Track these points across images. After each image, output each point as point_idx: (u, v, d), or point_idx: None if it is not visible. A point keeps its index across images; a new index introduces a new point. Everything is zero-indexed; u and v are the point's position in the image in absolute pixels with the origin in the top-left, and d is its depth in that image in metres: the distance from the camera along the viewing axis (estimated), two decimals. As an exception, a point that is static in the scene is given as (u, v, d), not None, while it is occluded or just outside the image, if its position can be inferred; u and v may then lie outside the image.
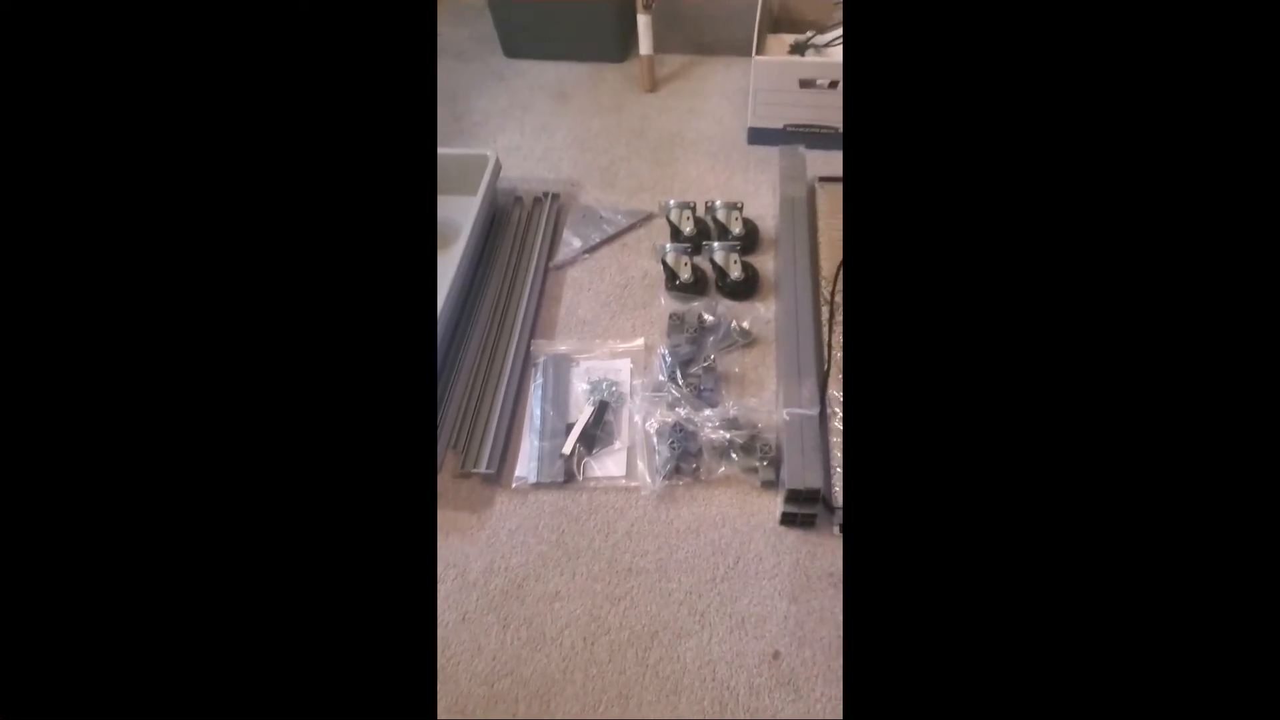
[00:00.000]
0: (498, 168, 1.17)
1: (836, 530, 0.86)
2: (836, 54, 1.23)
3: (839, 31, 1.24)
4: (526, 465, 0.94)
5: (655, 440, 0.93)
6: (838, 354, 1.00)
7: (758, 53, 1.21)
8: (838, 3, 1.30)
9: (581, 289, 1.12)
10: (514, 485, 0.92)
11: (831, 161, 1.23)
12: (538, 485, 0.92)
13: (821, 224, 1.15)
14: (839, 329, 1.03)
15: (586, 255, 1.16)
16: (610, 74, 1.46)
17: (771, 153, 1.25)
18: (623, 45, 1.46)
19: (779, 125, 1.25)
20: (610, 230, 1.18)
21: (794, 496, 0.83)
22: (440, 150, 1.22)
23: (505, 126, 1.37)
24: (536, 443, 0.95)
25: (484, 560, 0.87)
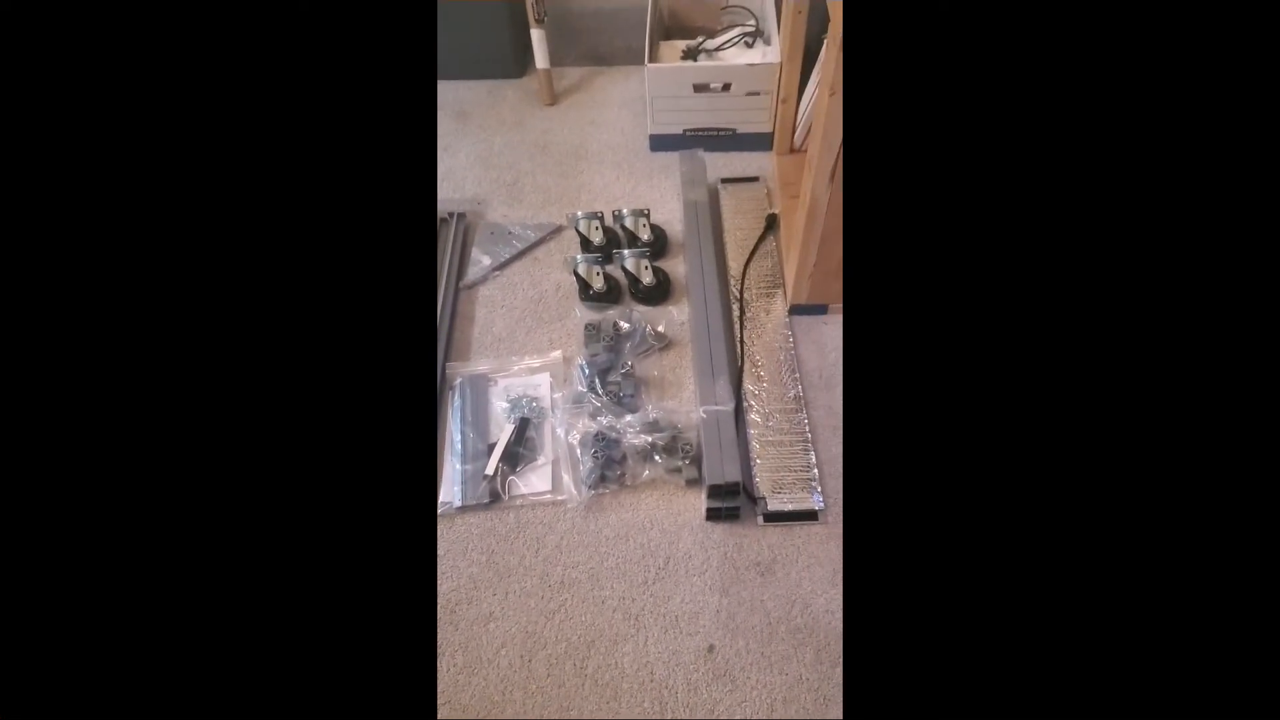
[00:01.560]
0: (399, 191, 1.15)
1: (760, 520, 0.88)
2: (728, 57, 1.26)
3: (728, 35, 1.27)
4: (450, 490, 0.93)
5: (579, 451, 0.93)
6: (751, 349, 1.03)
7: (651, 60, 1.23)
8: (725, 7, 1.34)
9: (495, 306, 1.12)
10: (439, 512, 0.91)
11: (731, 162, 1.27)
12: (463, 509, 0.91)
13: (726, 224, 1.18)
14: (751, 326, 1.06)
15: (498, 272, 1.16)
16: (509, 90, 1.46)
17: (672, 158, 1.28)
18: (519, 61, 1.46)
19: (678, 130, 1.27)
20: (520, 246, 1.18)
21: (716, 491, 0.85)
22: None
23: (406, 149, 1.35)
24: (459, 466, 0.94)
25: (413, 590, 0.86)
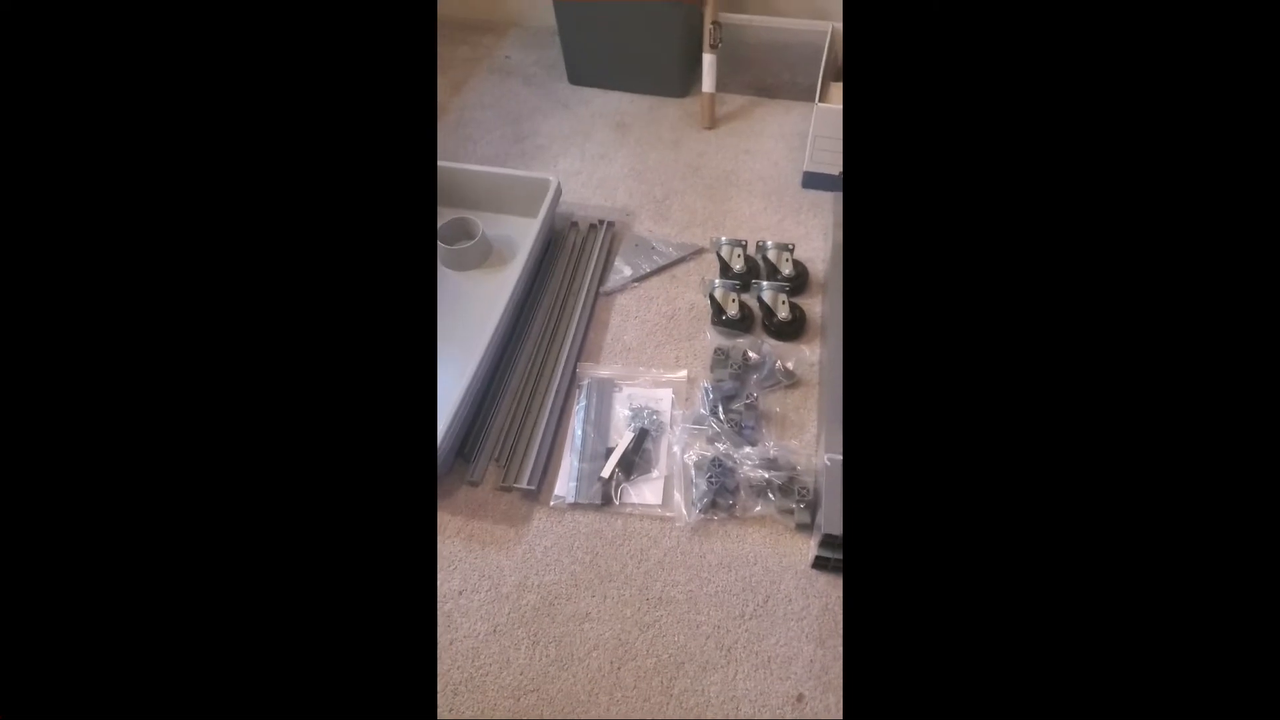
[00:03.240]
0: (558, 193, 1.21)
1: (868, 578, 0.86)
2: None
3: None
4: (565, 484, 0.96)
5: (693, 473, 0.94)
6: (879, 402, 1.01)
7: (820, 99, 1.24)
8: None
9: (629, 316, 1.15)
10: (552, 503, 0.95)
11: (884, 211, 1.25)
12: (575, 505, 0.94)
13: (870, 272, 1.16)
14: (881, 377, 1.04)
15: (636, 284, 1.19)
16: (670, 108, 1.49)
17: (824, 197, 1.28)
18: (685, 81, 1.50)
19: (834, 172, 1.27)
20: (661, 261, 1.21)
21: (829, 541, 0.84)
22: (503, 171, 1.26)
23: (566, 152, 1.42)
24: (576, 463, 0.97)
25: (518, 575, 0.89)
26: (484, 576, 0.89)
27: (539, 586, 0.88)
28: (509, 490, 0.96)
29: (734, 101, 1.49)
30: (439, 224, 1.21)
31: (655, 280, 1.20)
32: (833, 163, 1.26)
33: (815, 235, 1.24)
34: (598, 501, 0.94)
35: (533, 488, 0.95)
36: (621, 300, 1.17)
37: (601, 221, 1.26)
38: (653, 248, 1.23)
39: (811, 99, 1.45)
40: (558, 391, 1.03)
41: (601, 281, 1.18)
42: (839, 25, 1.36)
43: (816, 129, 1.23)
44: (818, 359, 1.07)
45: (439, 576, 0.89)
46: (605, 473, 0.95)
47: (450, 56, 1.64)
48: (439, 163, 1.27)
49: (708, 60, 1.38)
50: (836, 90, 1.31)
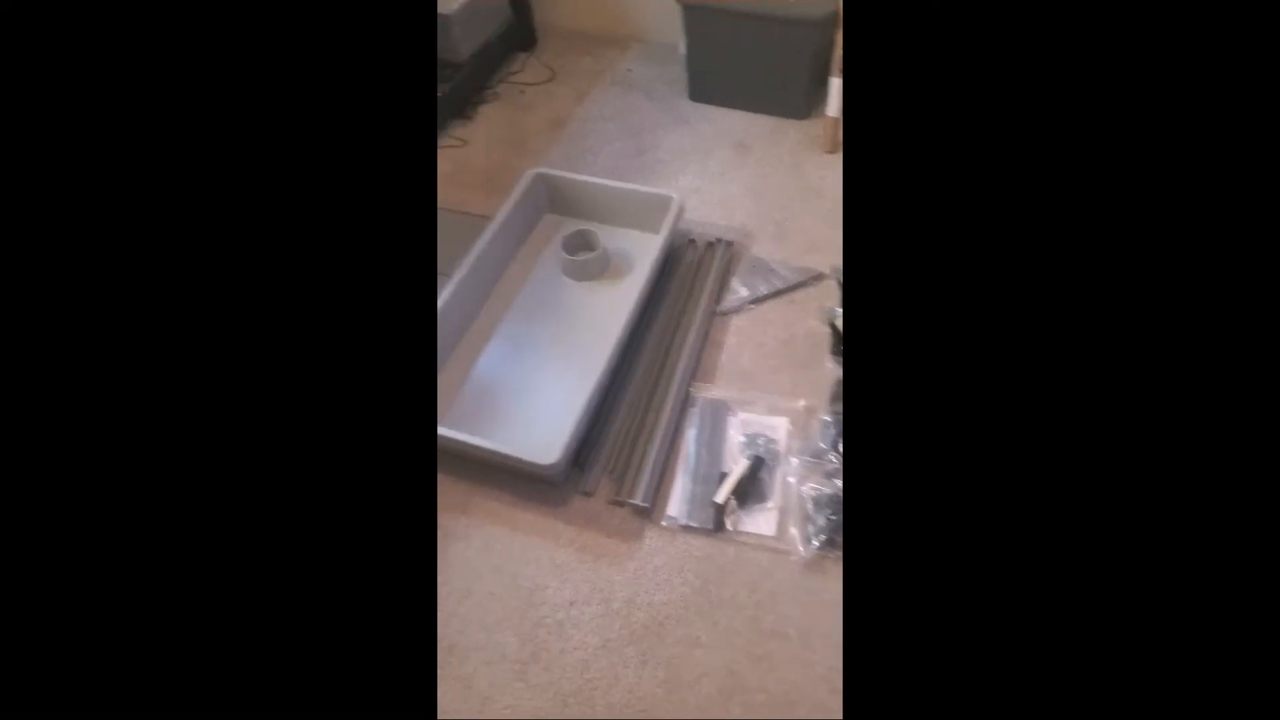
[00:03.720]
0: (681, 210, 1.21)
1: (993, 636, 0.83)
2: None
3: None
4: (678, 505, 0.95)
5: (811, 507, 0.93)
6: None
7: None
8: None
9: (745, 338, 1.14)
10: (664, 523, 0.94)
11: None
12: (687, 528, 0.94)
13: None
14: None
15: (753, 305, 1.18)
16: (791, 130, 1.48)
17: (952, 231, 1.24)
18: (808, 104, 1.48)
19: (966, 206, 1.23)
20: (779, 284, 1.19)
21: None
22: (625, 185, 1.28)
23: (686, 168, 1.42)
24: (690, 485, 0.97)
25: (629, 591, 0.89)
26: (595, 589, 0.89)
27: (649, 605, 0.88)
28: (622, 505, 0.96)
29: (857, 126, 1.47)
30: (563, 235, 1.23)
31: (772, 303, 1.18)
32: (965, 196, 1.22)
33: (941, 270, 1.20)
34: (710, 526, 0.93)
35: (646, 505, 0.95)
36: (737, 321, 1.16)
37: (720, 240, 1.26)
38: (771, 270, 1.22)
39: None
40: (672, 409, 1.03)
41: (718, 300, 1.18)
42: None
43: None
44: (942, 399, 1.03)
45: (551, 584, 0.90)
46: (720, 498, 0.94)
47: (574, 67, 1.67)
48: (563, 174, 1.29)
49: (835, 85, 1.36)
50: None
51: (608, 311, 1.15)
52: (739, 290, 1.19)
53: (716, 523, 0.93)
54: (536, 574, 0.91)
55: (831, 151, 1.42)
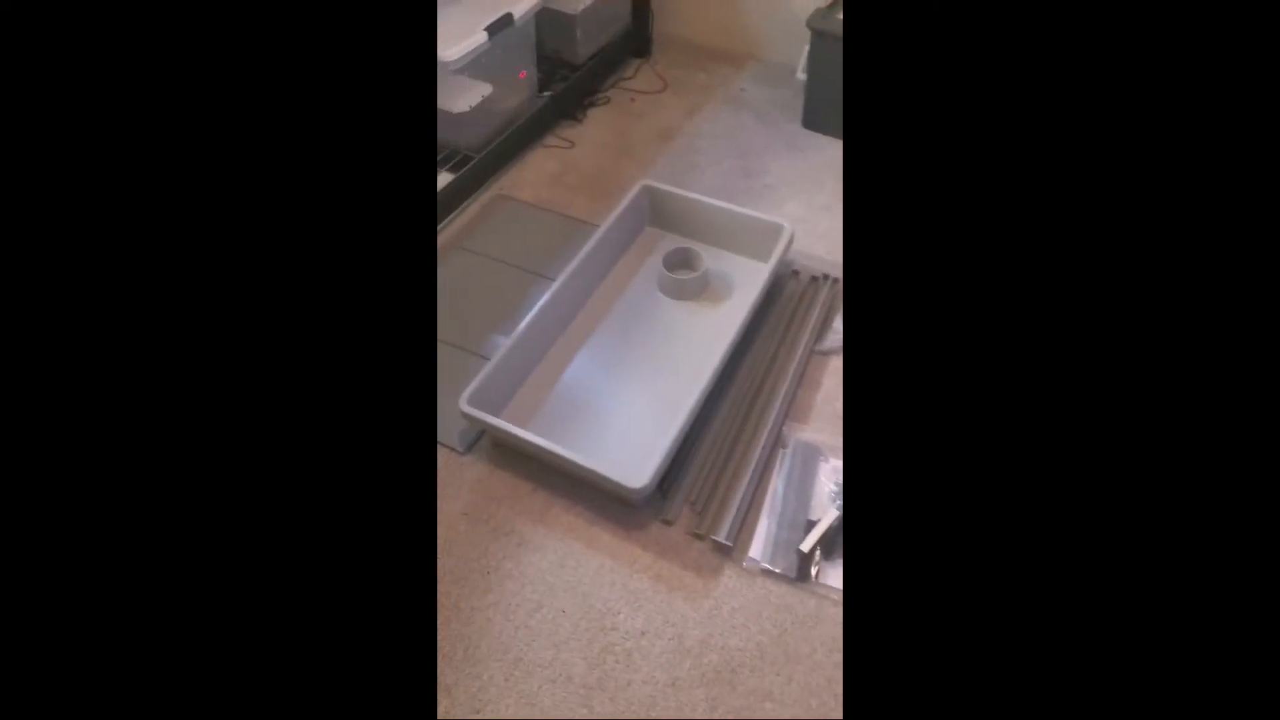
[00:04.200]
0: (791, 240, 1.18)
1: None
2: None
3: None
4: (760, 547, 0.92)
5: (903, 570, 0.88)
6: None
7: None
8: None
9: (843, 381, 1.10)
10: (745, 564, 0.91)
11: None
12: (767, 572, 0.90)
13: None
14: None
15: (854, 349, 1.14)
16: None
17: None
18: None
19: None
20: (883, 330, 1.15)
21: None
22: (735, 208, 1.25)
23: (793, 196, 1.39)
24: (774, 528, 0.94)
25: (703, 631, 0.86)
26: (668, 623, 0.87)
27: (723, 649, 0.85)
28: (702, 538, 0.93)
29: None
30: (664, 251, 1.21)
31: (874, 349, 1.14)
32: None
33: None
34: (793, 575, 0.90)
35: (729, 543, 0.92)
36: (836, 362, 1.12)
37: (825, 276, 1.22)
38: (876, 314, 1.17)
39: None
40: (763, 447, 1.00)
41: (818, 339, 1.14)
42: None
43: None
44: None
45: (624, 610, 0.88)
46: (805, 546, 0.91)
47: (688, 80, 1.66)
48: (671, 189, 1.28)
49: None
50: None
51: (703, 335, 1.13)
52: (841, 330, 1.15)
53: (800, 572, 0.90)
54: (610, 597, 0.89)
55: (947, 196, 1.37)
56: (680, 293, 1.20)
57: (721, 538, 0.92)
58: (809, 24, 1.39)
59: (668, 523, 0.95)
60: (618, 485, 0.90)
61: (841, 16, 1.38)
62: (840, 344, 1.13)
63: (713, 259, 1.23)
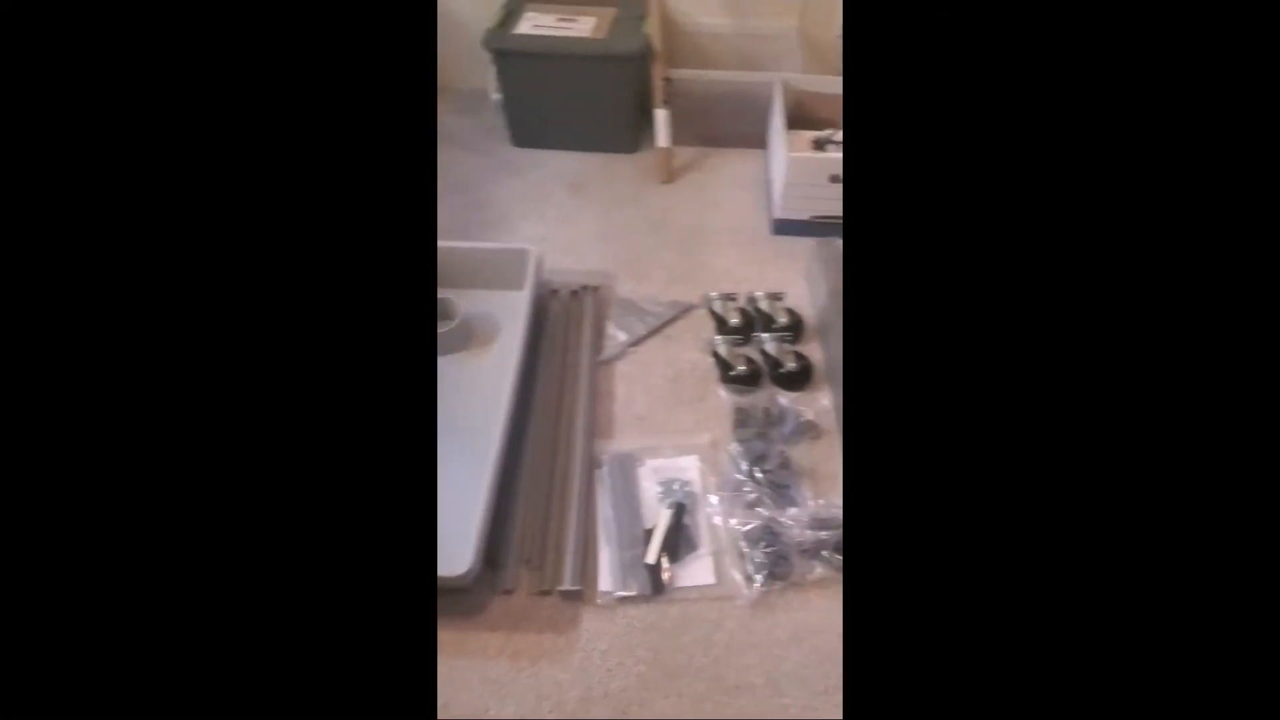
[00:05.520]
0: (540, 263, 1.15)
1: (939, 628, 0.85)
2: (853, 150, 1.30)
3: (853, 130, 1.31)
4: (609, 578, 0.89)
5: (745, 544, 0.90)
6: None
7: (789, 148, 1.26)
8: (845, 102, 1.38)
9: (634, 383, 1.10)
10: (599, 601, 0.87)
11: (856, 251, 1.28)
12: (624, 599, 0.87)
13: (859, 312, 1.18)
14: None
15: (633, 348, 1.14)
16: (623, 165, 1.48)
17: (796, 243, 1.29)
18: (634, 138, 1.49)
19: (805, 217, 1.29)
20: (654, 322, 1.17)
21: (905, 598, 0.82)
22: (475, 245, 1.20)
23: (527, 217, 1.36)
24: (616, 552, 0.91)
25: (580, 687, 0.81)
26: (543, 697, 0.80)
27: (606, 695, 0.80)
28: (548, 594, 0.87)
29: (685, 154, 1.49)
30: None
31: (651, 343, 1.16)
32: (803, 209, 1.29)
33: (797, 281, 1.25)
34: (649, 591, 0.87)
35: (576, 587, 0.87)
36: (621, 368, 1.12)
37: (584, 287, 1.21)
38: (642, 309, 1.19)
39: (757, 146, 1.48)
40: (581, 476, 0.97)
41: (597, 350, 1.13)
42: (788, 76, 1.40)
43: (787, 177, 1.25)
44: (832, 406, 1.06)
45: (491, 705, 0.79)
46: (650, 558, 0.89)
47: (380, 126, 1.55)
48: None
49: (661, 115, 1.38)
50: (794, 138, 1.34)
51: (482, 384, 1.06)
52: (616, 335, 1.15)
53: (654, 585, 0.88)
54: (472, 700, 0.80)
55: (667, 181, 1.44)
56: (445, 347, 1.11)
57: (567, 585, 0.87)
58: (484, 45, 1.36)
59: (508, 593, 0.88)
60: (441, 579, 0.81)
61: (517, 30, 1.38)
62: (619, 349, 1.13)
63: (470, 302, 1.16)
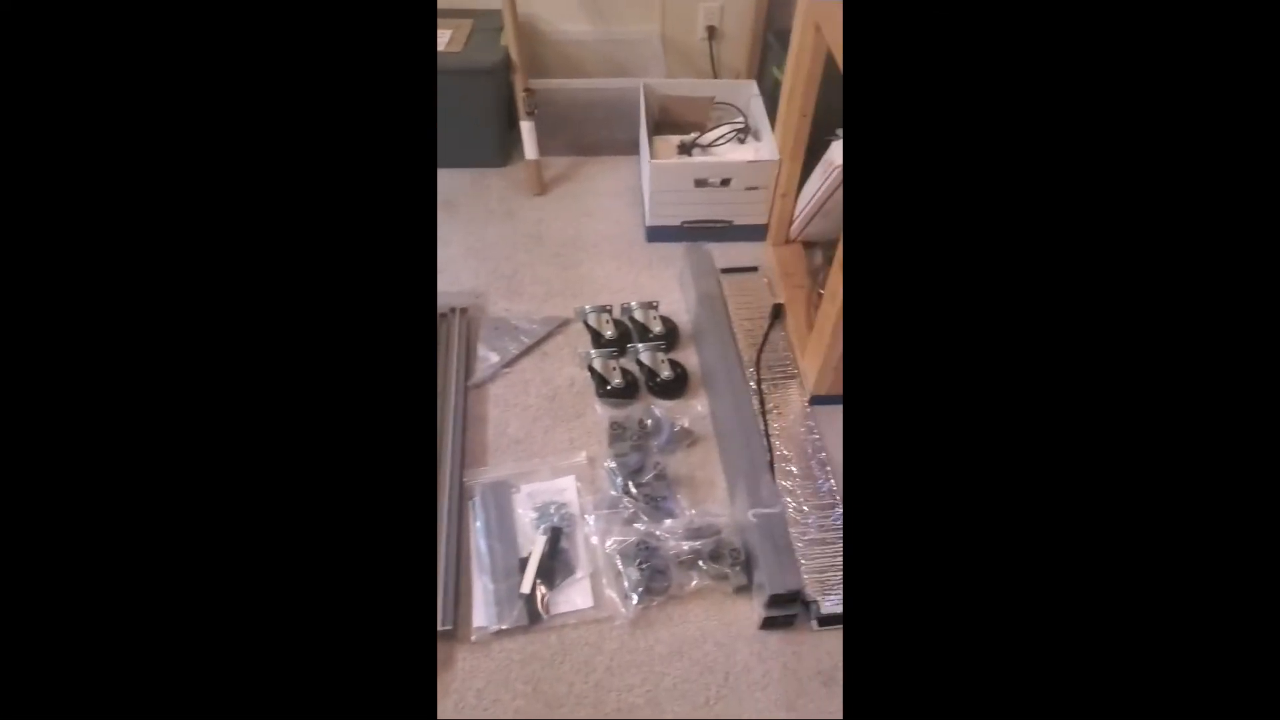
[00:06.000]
0: (401, 288, 1.10)
1: (815, 625, 0.86)
2: (722, 153, 1.30)
3: (720, 131, 1.32)
4: (483, 612, 0.86)
5: (620, 562, 0.89)
6: (776, 443, 1.03)
7: (651, 154, 1.26)
8: (714, 103, 1.39)
9: (508, 406, 1.07)
10: (473, 638, 0.84)
11: (729, 253, 1.29)
12: (499, 633, 0.84)
13: (733, 315, 1.19)
14: (773, 418, 1.06)
15: (506, 369, 1.11)
16: (493, 179, 1.44)
17: (671, 249, 1.29)
18: (503, 151, 1.46)
19: (677, 222, 1.29)
20: (527, 341, 1.15)
21: (777, 601, 0.82)
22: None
23: (394, 240, 1.31)
24: (490, 585, 0.88)
25: (455, 734, 0.78)
26: (415, 748, 0.76)
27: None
28: (420, 636, 0.84)
29: (558, 164, 1.47)
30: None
31: (526, 361, 1.13)
32: (674, 215, 1.29)
33: (671, 287, 1.24)
34: (525, 622, 0.85)
35: (448, 626, 0.83)
36: (495, 390, 1.09)
37: (453, 309, 1.17)
38: (515, 327, 1.16)
39: (632, 153, 1.47)
40: (450, 509, 0.93)
41: (468, 374, 1.10)
42: (649, 81, 1.40)
43: (655, 185, 1.24)
44: (708, 412, 1.06)
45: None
46: (525, 588, 0.87)
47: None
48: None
49: (526, 127, 1.35)
50: (661, 144, 1.34)
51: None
52: (488, 357, 1.12)
53: (530, 615, 0.85)
54: (338, 761, 0.75)
55: (540, 193, 1.41)
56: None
57: (439, 625, 0.83)
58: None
59: (377, 640, 0.83)
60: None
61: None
62: (491, 371, 1.10)
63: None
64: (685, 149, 1.31)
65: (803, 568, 0.89)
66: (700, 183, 1.24)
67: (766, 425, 1.04)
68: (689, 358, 1.14)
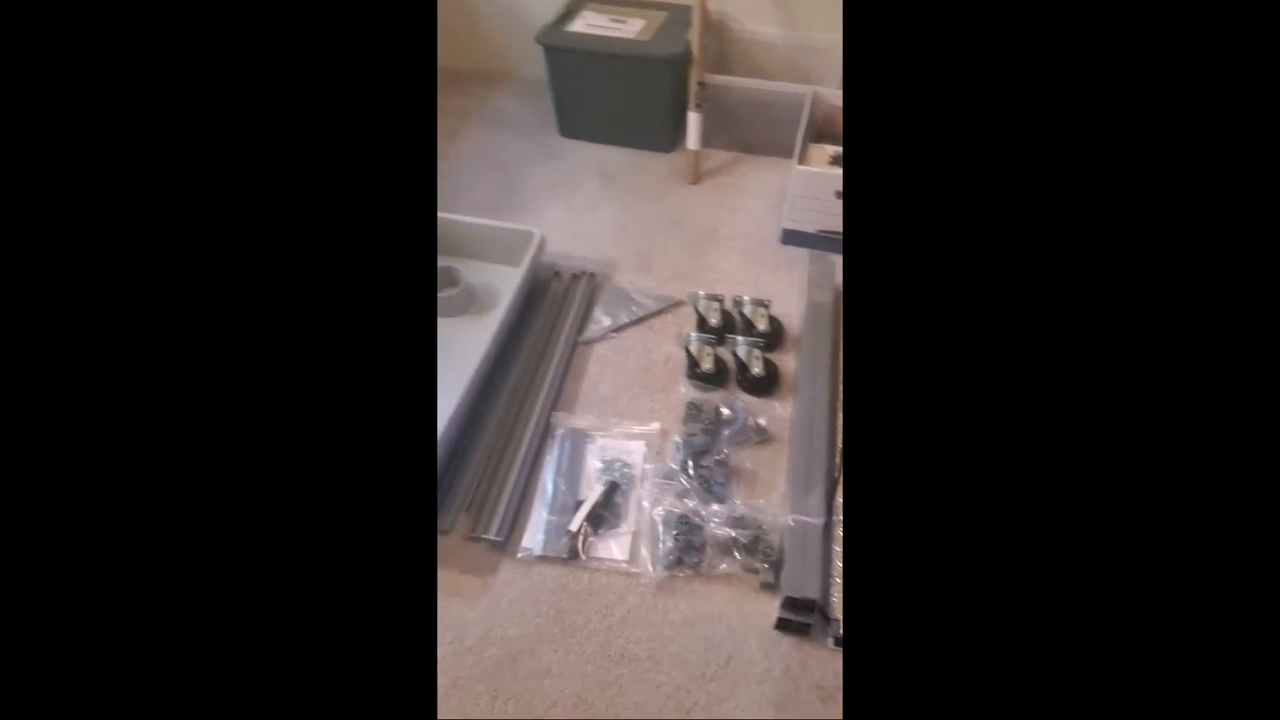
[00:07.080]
0: (541, 244, 1.23)
1: (831, 644, 0.86)
2: (873, 170, 1.29)
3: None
4: (533, 537, 0.96)
5: (660, 528, 0.95)
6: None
7: (800, 160, 1.28)
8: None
9: (606, 366, 1.16)
10: (519, 555, 0.95)
11: (859, 269, 1.28)
12: (542, 558, 0.95)
13: (842, 330, 1.18)
14: (851, 436, 1.05)
15: (614, 334, 1.21)
16: (655, 163, 1.53)
17: (802, 254, 1.31)
18: (671, 137, 1.55)
19: (812, 230, 1.30)
20: (639, 312, 1.23)
21: (790, 603, 0.84)
22: (486, 222, 1.29)
23: (553, 202, 1.45)
24: (545, 515, 0.98)
25: (481, 628, 0.89)
26: (447, 628, 0.89)
27: (502, 640, 0.88)
28: (477, 540, 0.96)
29: (718, 158, 1.53)
30: (423, 271, 1.23)
31: (633, 331, 1.22)
32: (810, 221, 1.30)
33: (791, 292, 1.26)
34: (565, 555, 0.94)
35: (500, 539, 0.95)
36: (600, 350, 1.19)
37: (583, 272, 1.28)
38: (632, 299, 1.25)
39: (789, 157, 1.49)
40: (531, 441, 1.05)
41: (580, 330, 1.20)
42: (820, 89, 1.41)
43: (795, 189, 1.26)
44: (789, 416, 1.08)
45: (402, 627, 0.89)
46: (573, 526, 0.96)
47: (446, 106, 1.69)
48: (427, 211, 1.30)
49: (693, 119, 1.42)
50: (816, 152, 1.35)
51: (470, 346, 1.15)
52: (601, 320, 1.22)
53: (571, 551, 0.94)
54: (388, 618, 0.90)
55: (694, 183, 1.48)
56: (446, 309, 1.22)
57: (494, 535, 0.95)
58: (538, 39, 1.46)
59: (444, 532, 0.97)
60: (378, 507, 0.91)
61: (571, 27, 1.46)
62: (601, 333, 1.20)
63: (478, 272, 1.26)
64: (836, 160, 1.31)
65: (834, 586, 0.90)
66: (840, 194, 1.24)
67: (844, 442, 1.04)
68: (786, 361, 1.16)
